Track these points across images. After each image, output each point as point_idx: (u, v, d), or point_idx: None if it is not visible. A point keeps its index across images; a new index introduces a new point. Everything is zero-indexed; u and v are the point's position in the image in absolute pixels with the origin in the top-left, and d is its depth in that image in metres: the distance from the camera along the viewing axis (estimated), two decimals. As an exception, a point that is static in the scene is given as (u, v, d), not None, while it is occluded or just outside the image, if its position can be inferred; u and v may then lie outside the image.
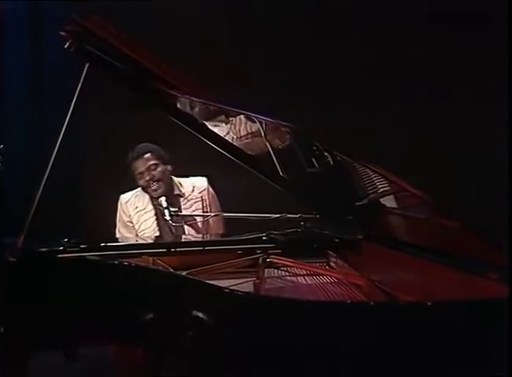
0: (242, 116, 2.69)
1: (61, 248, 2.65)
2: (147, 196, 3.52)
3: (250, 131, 2.80)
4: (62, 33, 2.53)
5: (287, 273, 2.68)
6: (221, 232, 3.52)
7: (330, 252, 2.82)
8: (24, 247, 2.46)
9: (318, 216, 2.88)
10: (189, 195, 3.54)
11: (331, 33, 4.29)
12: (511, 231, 2.03)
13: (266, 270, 2.66)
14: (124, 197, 3.58)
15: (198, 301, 2.14)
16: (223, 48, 4.29)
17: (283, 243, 2.85)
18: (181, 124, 2.73)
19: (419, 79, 4.22)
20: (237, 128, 2.83)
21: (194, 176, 3.61)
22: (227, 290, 2.12)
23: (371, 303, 2.14)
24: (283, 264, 2.73)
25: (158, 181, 3.45)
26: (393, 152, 3.86)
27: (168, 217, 3.16)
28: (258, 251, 2.79)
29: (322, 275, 2.61)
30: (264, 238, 2.89)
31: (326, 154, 2.57)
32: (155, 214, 3.49)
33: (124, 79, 2.66)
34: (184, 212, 3.46)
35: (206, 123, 2.80)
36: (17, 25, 4.49)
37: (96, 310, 2.34)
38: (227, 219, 3.46)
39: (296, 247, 2.83)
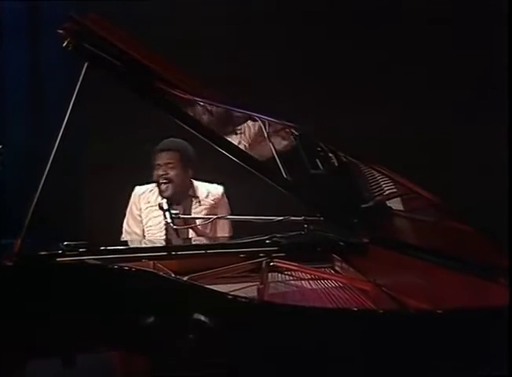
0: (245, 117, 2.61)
1: (60, 252, 2.54)
2: None
3: (252, 131, 2.70)
4: (60, 31, 2.42)
5: (291, 278, 2.58)
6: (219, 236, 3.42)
7: (335, 256, 2.72)
8: (22, 250, 2.36)
9: (322, 219, 2.77)
10: (202, 201, 3.42)
11: (331, 33, 4.23)
12: (511, 231, 1.95)
13: (270, 274, 2.56)
14: (139, 189, 3.46)
15: (200, 307, 2.04)
16: (223, 48, 4.20)
17: (287, 246, 2.75)
18: (183, 124, 2.61)
19: (419, 79, 4.16)
20: (240, 129, 2.73)
21: (210, 182, 3.49)
22: (230, 297, 2.03)
23: (380, 311, 2.03)
24: (286, 268, 2.63)
25: (169, 181, 3.33)
26: (392, 152, 3.78)
27: (169, 220, 3.05)
28: (261, 255, 2.68)
29: (327, 279, 2.51)
30: (267, 241, 2.78)
31: (330, 155, 2.49)
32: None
33: (124, 78, 2.54)
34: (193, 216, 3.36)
35: (209, 124, 2.69)
36: (16, 25, 4.39)
37: (95, 316, 2.24)
38: (233, 225, 3.37)
39: (300, 251, 2.73)
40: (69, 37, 2.41)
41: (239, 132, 2.72)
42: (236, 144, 2.75)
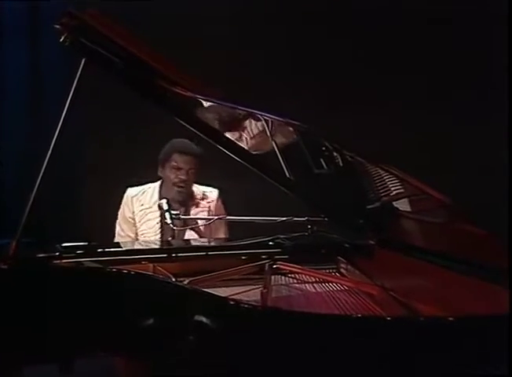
0: (248, 115, 2.48)
1: (57, 254, 2.41)
2: (156, 195, 3.25)
3: (255, 130, 2.58)
4: (57, 26, 2.28)
5: (295, 281, 2.46)
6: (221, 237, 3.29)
7: (340, 258, 2.59)
8: (17, 252, 2.23)
9: (326, 219, 2.64)
10: (198, 202, 3.29)
11: (331, 33, 4.16)
12: (511, 231, 1.84)
13: (273, 277, 2.43)
14: (131, 191, 3.29)
15: (201, 312, 1.90)
16: (223, 48, 4.11)
17: (291, 248, 2.62)
18: (184, 123, 2.48)
19: (419, 79, 4.09)
20: (243, 128, 2.61)
21: (206, 185, 3.37)
22: (232, 302, 1.90)
23: (388, 318, 1.89)
24: (290, 270, 2.51)
25: (187, 186, 3.21)
26: (392, 152, 3.67)
27: (169, 221, 2.92)
28: (264, 257, 2.56)
29: (332, 282, 2.39)
30: (270, 243, 2.67)
31: (335, 154, 2.36)
32: (161, 216, 3.20)
33: (123, 75, 2.40)
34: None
35: (211, 122, 2.56)
36: (16, 25, 4.30)
37: (92, 320, 2.10)
38: (230, 226, 3.24)
39: (304, 253, 2.61)
40: (66, 32, 2.28)
41: (241, 130, 2.60)
42: (238, 143, 2.64)
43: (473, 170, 3.93)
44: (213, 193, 3.33)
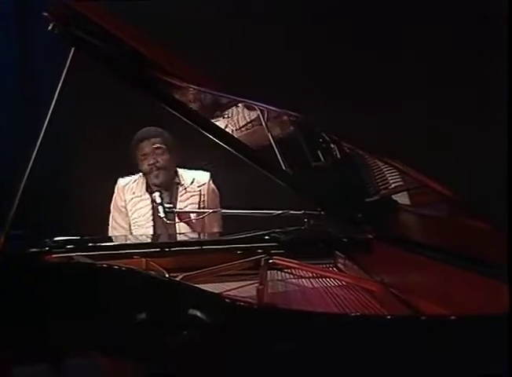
0: (240, 105, 2.40)
1: (47, 249, 2.36)
2: (146, 184, 3.21)
3: (249, 121, 2.51)
4: (45, 14, 2.20)
5: (292, 276, 2.38)
6: (215, 230, 3.22)
7: (338, 253, 2.51)
8: (5, 248, 2.18)
9: (323, 213, 2.57)
10: (188, 187, 3.23)
11: (331, 33, 4.09)
12: (511, 231, 1.78)
13: (269, 272, 2.35)
14: (122, 181, 3.27)
15: (195, 309, 1.83)
16: (223, 48, 4.04)
17: (287, 242, 2.55)
18: (174, 112, 2.40)
19: (419, 79, 4.04)
20: (235, 118, 2.53)
21: (196, 169, 3.32)
22: (227, 300, 1.83)
23: (388, 317, 1.81)
24: (286, 265, 2.42)
25: (161, 168, 3.16)
26: (391, 152, 3.64)
27: (162, 214, 2.85)
28: (260, 251, 2.48)
29: (329, 278, 2.31)
30: (266, 237, 2.59)
31: (332, 146, 2.28)
32: (152, 203, 3.17)
33: (113, 64, 2.33)
34: (179, 204, 3.17)
35: (202, 112, 2.49)
36: (4, 12, 4.22)
37: (82, 317, 2.04)
38: (224, 217, 3.17)
39: (300, 247, 2.54)
40: (55, 20, 2.20)
41: (235, 121, 2.52)
42: (233, 133, 2.57)
43: (472, 171, 3.86)
44: (203, 176, 3.28)
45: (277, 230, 2.63)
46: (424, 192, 1.96)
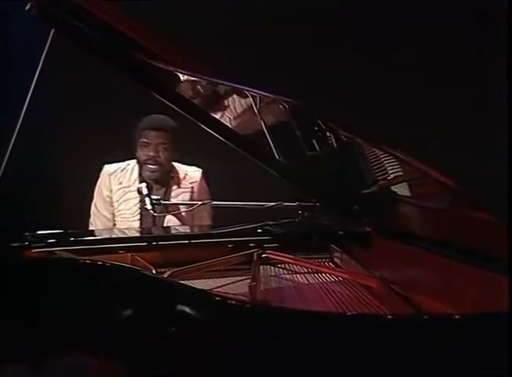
0: (236, 93, 2.32)
1: (26, 244, 2.25)
2: (135, 173, 3.07)
3: (241, 108, 2.40)
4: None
5: (286, 271, 2.28)
6: (205, 224, 3.11)
7: (334, 246, 2.42)
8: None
9: (319, 204, 2.48)
10: (179, 182, 3.12)
11: (331, 33, 4.03)
12: (511, 231, 1.70)
13: (262, 267, 2.26)
14: (108, 168, 3.11)
15: (183, 307, 1.74)
16: (223, 47, 3.95)
17: (280, 235, 2.46)
18: (163, 99, 2.29)
19: (419, 79, 3.98)
20: (232, 106, 2.44)
21: (189, 164, 3.21)
22: (218, 298, 1.73)
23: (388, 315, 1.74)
24: (280, 260, 2.33)
25: (158, 164, 3.03)
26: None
27: (149, 206, 2.74)
28: (252, 245, 2.38)
29: (325, 273, 2.22)
30: (258, 230, 2.50)
31: (328, 134, 2.18)
32: (140, 201, 3.02)
33: (97, 47, 2.20)
34: (170, 200, 3.06)
35: (194, 99, 2.38)
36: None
37: (65, 316, 1.93)
38: (215, 211, 3.06)
39: (295, 241, 2.44)
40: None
41: (227, 108, 2.43)
42: (224, 121, 2.46)
43: (472, 171, 3.67)
44: (196, 173, 3.16)
45: (270, 223, 2.54)
46: (424, 183, 1.89)
